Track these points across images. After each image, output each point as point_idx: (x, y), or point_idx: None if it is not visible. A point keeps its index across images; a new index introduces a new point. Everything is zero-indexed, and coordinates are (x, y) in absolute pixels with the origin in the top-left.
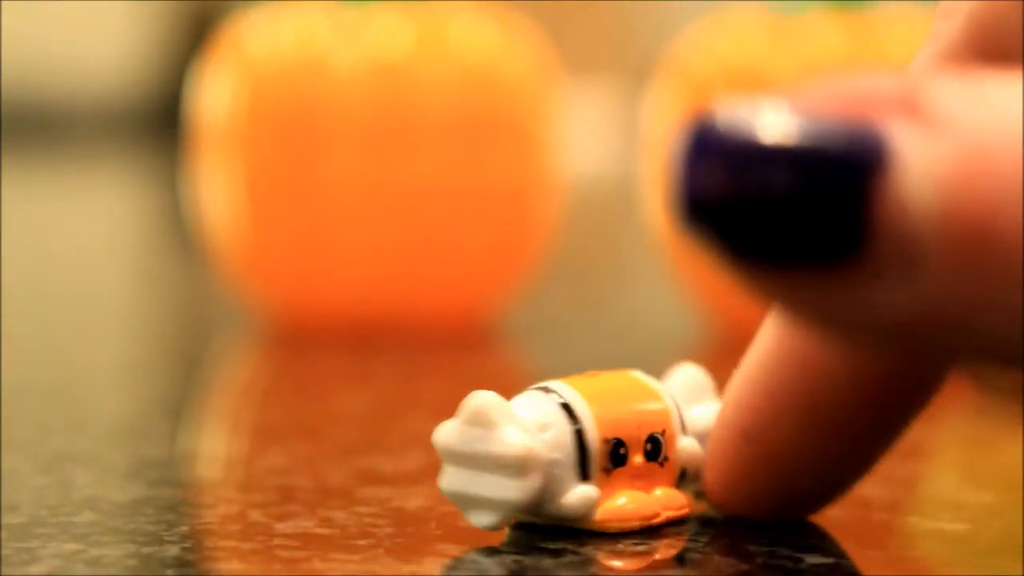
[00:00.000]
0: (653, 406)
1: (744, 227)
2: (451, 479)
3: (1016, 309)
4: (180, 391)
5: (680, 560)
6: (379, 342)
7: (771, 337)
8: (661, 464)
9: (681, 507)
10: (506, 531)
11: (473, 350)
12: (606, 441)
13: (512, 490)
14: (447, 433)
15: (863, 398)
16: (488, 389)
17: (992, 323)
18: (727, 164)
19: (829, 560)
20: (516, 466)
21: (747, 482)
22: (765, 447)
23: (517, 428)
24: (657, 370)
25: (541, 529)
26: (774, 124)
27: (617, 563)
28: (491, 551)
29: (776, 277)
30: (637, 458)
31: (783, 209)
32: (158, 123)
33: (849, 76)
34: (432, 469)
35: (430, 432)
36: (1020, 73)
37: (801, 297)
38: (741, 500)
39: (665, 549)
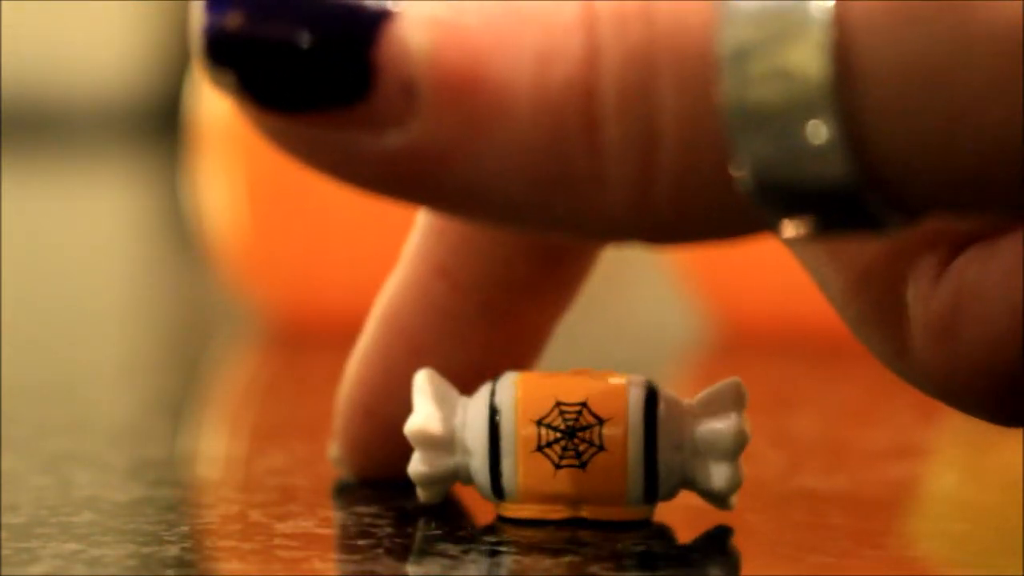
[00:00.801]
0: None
1: (260, 73)
2: (736, 472)
3: (498, 154)
4: (180, 391)
5: (680, 560)
6: None
7: (379, 316)
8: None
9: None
10: (506, 531)
11: None
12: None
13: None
14: (738, 426)
15: (469, 372)
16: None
17: (480, 169)
18: (244, 8)
19: (829, 560)
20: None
21: (374, 452)
22: (385, 420)
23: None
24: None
25: (541, 529)
26: None
27: (617, 563)
28: (491, 551)
29: (290, 123)
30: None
31: (296, 56)
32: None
33: None
34: None
35: None
36: None
37: (312, 144)
38: (370, 466)
39: (665, 549)
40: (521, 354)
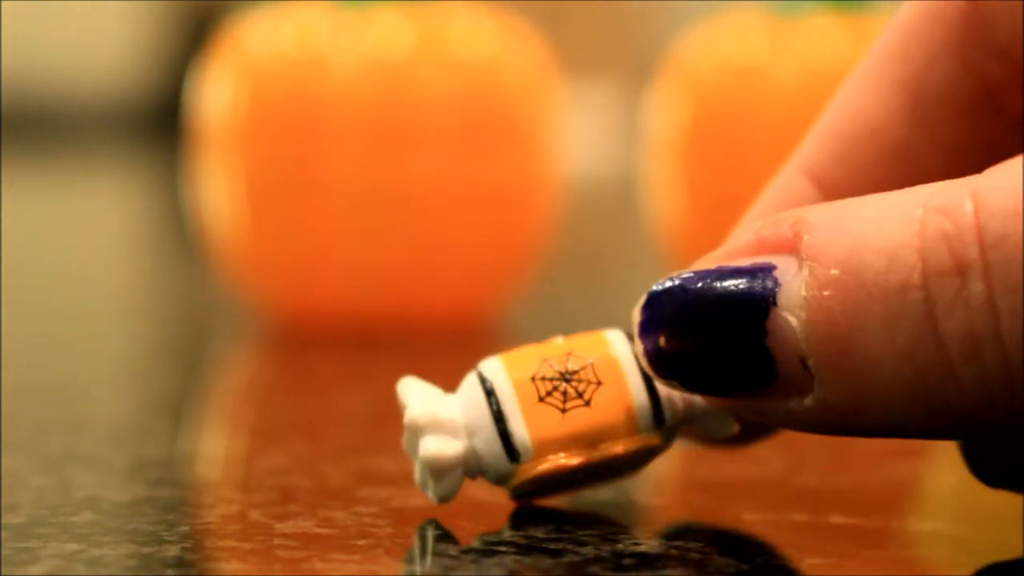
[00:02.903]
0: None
1: (692, 374)
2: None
3: (880, 398)
4: (180, 391)
5: (680, 560)
6: (379, 342)
7: (740, 230)
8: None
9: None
10: (506, 531)
11: (473, 350)
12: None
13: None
14: None
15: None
16: None
17: (871, 413)
18: (666, 332)
19: (829, 560)
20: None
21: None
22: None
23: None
24: None
25: (541, 529)
26: (685, 302)
27: (617, 563)
28: (491, 551)
29: (725, 401)
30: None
31: (712, 360)
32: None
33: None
34: None
35: None
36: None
37: (740, 408)
38: None
39: (665, 549)
40: None
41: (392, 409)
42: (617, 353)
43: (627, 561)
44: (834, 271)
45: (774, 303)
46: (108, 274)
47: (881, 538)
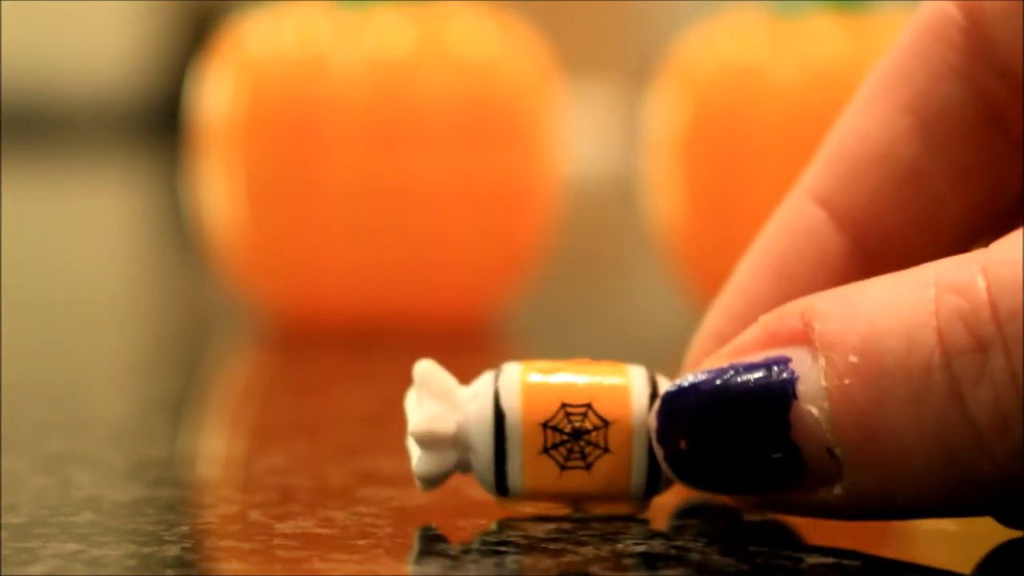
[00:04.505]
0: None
1: (716, 477)
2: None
3: (926, 485)
4: (180, 391)
5: (680, 560)
6: (379, 342)
7: (750, 256)
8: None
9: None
10: (506, 531)
11: (473, 350)
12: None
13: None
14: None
15: None
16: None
17: (909, 496)
18: (685, 438)
19: (829, 560)
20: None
21: None
22: (837, 214)
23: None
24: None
25: (541, 529)
26: (702, 403)
27: (617, 563)
28: (491, 551)
29: (751, 499)
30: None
31: (736, 462)
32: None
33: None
34: None
35: None
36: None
37: (765, 502)
38: None
39: (665, 549)
40: None
41: (392, 409)
42: (634, 420)
43: (627, 561)
44: (853, 358)
45: (795, 396)
46: (108, 274)
47: (881, 537)
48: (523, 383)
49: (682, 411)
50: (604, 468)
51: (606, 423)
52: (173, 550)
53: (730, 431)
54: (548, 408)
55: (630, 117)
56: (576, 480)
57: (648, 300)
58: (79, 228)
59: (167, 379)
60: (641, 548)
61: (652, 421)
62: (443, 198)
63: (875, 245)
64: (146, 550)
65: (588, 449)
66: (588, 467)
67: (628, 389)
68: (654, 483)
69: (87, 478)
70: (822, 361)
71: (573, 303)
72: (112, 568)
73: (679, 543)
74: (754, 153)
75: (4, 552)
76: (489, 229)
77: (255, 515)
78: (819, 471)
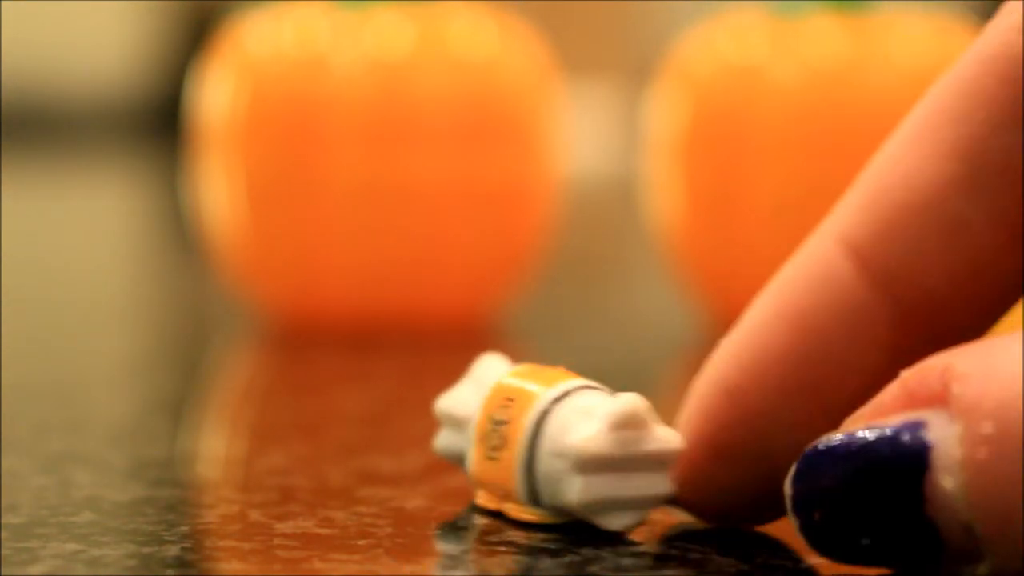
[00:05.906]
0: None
1: (853, 551)
2: (590, 486)
3: None
4: (180, 391)
5: (680, 560)
6: (379, 342)
7: (770, 287)
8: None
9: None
10: (506, 531)
11: (473, 350)
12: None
13: (662, 484)
14: (598, 441)
15: (855, 365)
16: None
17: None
18: (821, 509)
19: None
20: (670, 461)
21: (725, 438)
22: (746, 405)
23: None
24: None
25: (541, 529)
26: (836, 471)
27: (617, 563)
28: (491, 551)
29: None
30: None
31: (870, 532)
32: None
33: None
34: (432, 469)
35: (430, 432)
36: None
37: None
38: (718, 458)
39: (665, 549)
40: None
41: (392, 409)
42: (526, 420)
43: (627, 561)
44: (987, 427)
45: (928, 466)
46: (108, 274)
47: None
48: (509, 373)
49: (816, 478)
50: (503, 463)
51: (509, 420)
52: (173, 550)
53: (863, 502)
54: (500, 399)
55: (630, 117)
56: (490, 471)
57: (648, 300)
58: (79, 228)
59: (167, 379)
60: (641, 548)
61: (787, 488)
62: (443, 198)
63: (910, 302)
64: (146, 550)
65: (497, 442)
66: (494, 460)
67: (536, 394)
68: (533, 490)
69: (87, 478)
70: (958, 427)
71: (573, 303)
72: (112, 568)
73: (679, 543)
74: (754, 153)
75: (4, 552)
76: (489, 229)
77: (255, 515)
78: (958, 548)
